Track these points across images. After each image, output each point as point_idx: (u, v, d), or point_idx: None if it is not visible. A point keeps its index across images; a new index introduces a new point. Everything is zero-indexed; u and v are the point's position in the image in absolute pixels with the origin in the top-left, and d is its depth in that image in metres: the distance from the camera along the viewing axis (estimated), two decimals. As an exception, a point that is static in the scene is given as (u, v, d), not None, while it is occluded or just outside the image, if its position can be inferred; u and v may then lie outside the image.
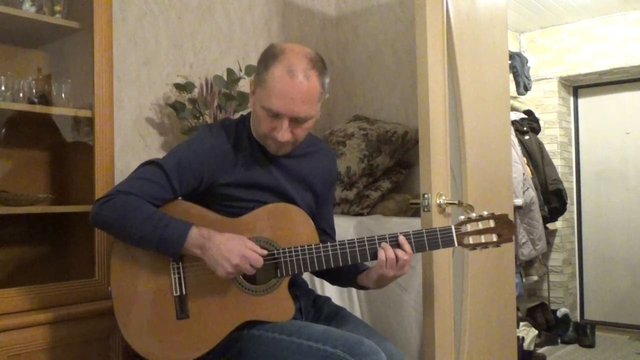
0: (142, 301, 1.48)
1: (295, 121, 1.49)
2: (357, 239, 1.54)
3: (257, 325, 1.49)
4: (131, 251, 1.49)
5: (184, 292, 1.48)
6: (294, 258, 1.51)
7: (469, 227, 1.59)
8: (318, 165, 1.70)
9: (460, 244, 1.58)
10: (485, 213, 1.60)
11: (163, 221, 1.43)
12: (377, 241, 1.53)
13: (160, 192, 1.49)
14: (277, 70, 1.45)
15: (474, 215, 1.60)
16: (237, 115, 2.44)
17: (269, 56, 1.49)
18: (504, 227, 1.59)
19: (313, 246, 1.52)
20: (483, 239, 1.59)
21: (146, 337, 1.47)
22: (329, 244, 1.53)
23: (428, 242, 1.55)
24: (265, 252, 1.48)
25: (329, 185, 1.76)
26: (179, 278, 1.48)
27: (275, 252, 1.51)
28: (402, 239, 1.54)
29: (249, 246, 1.45)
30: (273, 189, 1.58)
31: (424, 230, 1.56)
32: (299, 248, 1.51)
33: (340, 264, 1.53)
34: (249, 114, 1.63)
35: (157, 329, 1.47)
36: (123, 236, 1.47)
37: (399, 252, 1.52)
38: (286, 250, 1.51)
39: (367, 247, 1.53)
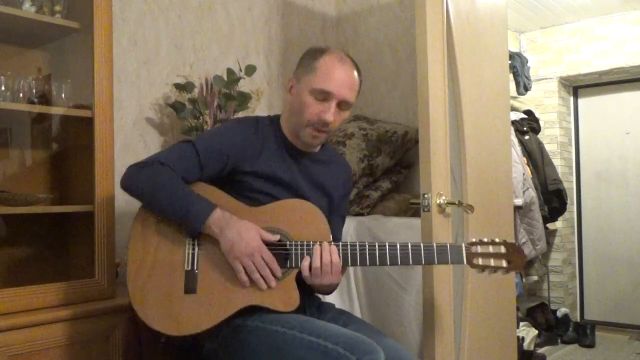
0: (154, 270, 1.52)
1: (339, 106, 1.60)
2: (368, 242, 1.57)
3: (260, 318, 1.51)
4: (153, 219, 1.55)
5: (195, 268, 1.52)
6: (305, 251, 1.54)
7: (480, 249, 1.58)
8: (336, 175, 1.79)
9: (470, 263, 1.58)
10: (497, 239, 1.60)
11: (191, 197, 1.51)
12: (387, 248, 1.56)
13: (190, 169, 1.57)
14: (328, 57, 1.61)
15: (485, 239, 1.60)
16: (237, 115, 2.46)
17: (316, 51, 1.64)
18: (515, 256, 1.59)
19: (325, 243, 1.55)
20: (493, 262, 1.58)
21: (152, 305, 1.50)
22: (340, 243, 1.57)
23: (437, 256, 1.57)
24: (278, 237, 1.54)
25: (343, 196, 1.83)
26: (193, 254, 1.53)
27: (287, 243, 1.55)
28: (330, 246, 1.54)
29: (263, 248, 1.51)
30: (290, 186, 1.64)
31: (434, 244, 1.58)
32: (311, 242, 1.55)
33: (349, 265, 1.57)
34: (276, 115, 1.72)
35: (164, 299, 1.51)
36: (151, 203, 1.54)
37: (325, 259, 1.52)
38: (298, 242, 1.55)
39: (377, 252, 1.56)
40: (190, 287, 1.51)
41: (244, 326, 1.50)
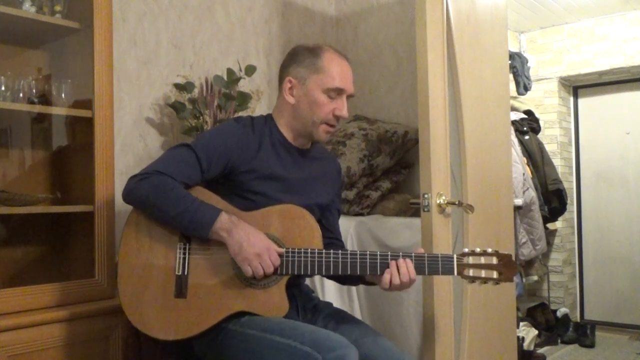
0: (145, 274, 1.53)
1: (346, 99, 1.67)
2: (359, 251, 1.57)
3: (239, 322, 1.52)
4: (145, 223, 1.55)
5: (185, 273, 1.53)
6: (297, 259, 1.54)
7: (471, 260, 1.59)
8: (329, 170, 1.81)
9: (460, 274, 1.59)
10: (489, 250, 1.60)
11: (195, 204, 1.51)
12: (378, 258, 1.56)
13: (190, 174, 1.56)
14: (329, 55, 1.65)
15: (478, 249, 1.61)
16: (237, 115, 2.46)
17: (311, 50, 1.66)
18: (506, 267, 1.59)
19: (316, 251, 1.55)
20: (483, 273, 1.59)
21: (142, 308, 1.52)
22: (331, 251, 1.56)
23: (428, 267, 1.57)
24: (282, 250, 1.53)
25: (338, 190, 1.85)
26: (184, 259, 1.54)
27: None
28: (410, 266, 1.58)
29: (272, 244, 1.52)
30: (287, 183, 1.64)
31: (425, 255, 1.58)
32: (302, 250, 1.54)
33: (340, 273, 1.56)
34: (269, 114, 1.73)
35: (154, 303, 1.52)
36: (155, 213, 1.54)
37: (404, 278, 1.55)
38: (290, 250, 1.54)
39: (367, 261, 1.56)
40: (180, 291, 1.52)
41: (227, 330, 1.52)
